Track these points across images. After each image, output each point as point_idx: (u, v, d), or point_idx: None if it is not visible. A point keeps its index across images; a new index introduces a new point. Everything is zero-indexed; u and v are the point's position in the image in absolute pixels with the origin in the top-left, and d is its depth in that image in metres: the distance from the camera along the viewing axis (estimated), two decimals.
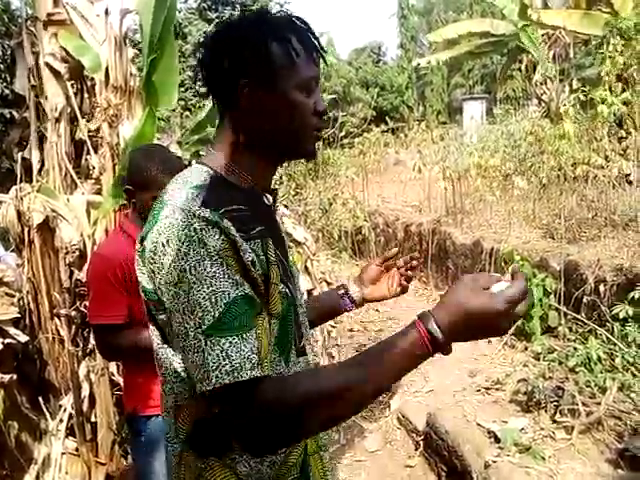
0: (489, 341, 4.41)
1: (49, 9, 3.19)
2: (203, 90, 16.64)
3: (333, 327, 4.54)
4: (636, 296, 3.65)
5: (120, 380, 2.72)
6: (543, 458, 2.87)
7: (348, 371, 0.91)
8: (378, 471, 3.34)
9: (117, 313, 1.86)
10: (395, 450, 3.54)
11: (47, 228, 2.94)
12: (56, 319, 2.96)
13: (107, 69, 3.14)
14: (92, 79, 3.25)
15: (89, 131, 3.18)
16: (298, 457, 1.04)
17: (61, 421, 2.91)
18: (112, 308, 1.85)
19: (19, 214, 2.91)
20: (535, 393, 3.38)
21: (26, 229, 2.92)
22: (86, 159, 3.23)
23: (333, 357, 4.52)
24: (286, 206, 5.03)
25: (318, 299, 1.45)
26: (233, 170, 1.03)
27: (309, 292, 3.54)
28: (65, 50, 3.17)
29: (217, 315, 0.87)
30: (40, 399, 2.94)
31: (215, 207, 0.92)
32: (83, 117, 3.22)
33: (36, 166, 3.17)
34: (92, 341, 2.80)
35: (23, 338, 2.82)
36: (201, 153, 3.69)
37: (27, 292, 2.98)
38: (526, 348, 4.32)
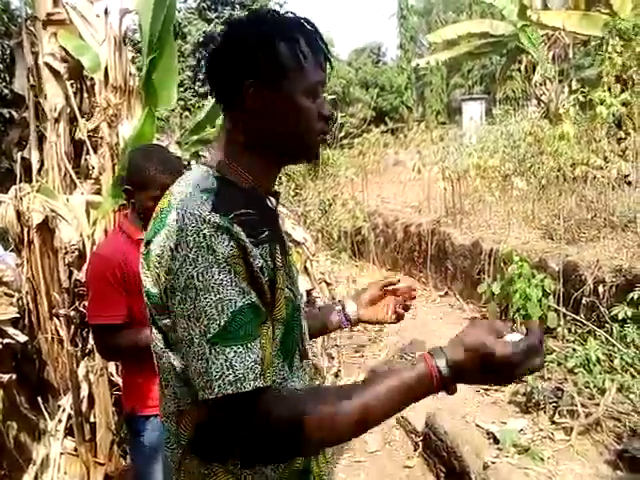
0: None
1: (49, 9, 3.20)
2: (202, 90, 16.66)
3: None
4: (635, 297, 3.64)
5: (119, 380, 2.72)
6: (542, 459, 2.87)
7: (349, 398, 0.90)
8: (377, 472, 3.34)
9: (116, 313, 1.86)
10: (394, 451, 3.53)
11: (46, 228, 2.93)
12: (55, 319, 2.95)
13: (106, 69, 3.14)
14: (91, 79, 3.25)
15: (88, 131, 3.18)
16: (303, 461, 1.04)
17: (60, 421, 2.90)
18: (111, 308, 1.85)
19: (18, 214, 2.91)
20: (534, 394, 3.38)
21: (25, 229, 2.92)
22: (85, 159, 3.24)
23: (333, 357, 4.52)
24: (283, 205, 5.03)
25: (315, 314, 1.42)
26: (234, 170, 1.02)
27: (308, 292, 3.54)
28: (65, 50, 3.18)
29: (223, 324, 0.87)
30: (39, 399, 2.94)
31: (225, 212, 0.91)
32: (82, 117, 3.22)
33: (35, 166, 3.17)
34: (91, 341, 2.80)
35: (22, 338, 2.81)
36: (200, 153, 3.68)
37: (26, 292, 2.97)
38: None
